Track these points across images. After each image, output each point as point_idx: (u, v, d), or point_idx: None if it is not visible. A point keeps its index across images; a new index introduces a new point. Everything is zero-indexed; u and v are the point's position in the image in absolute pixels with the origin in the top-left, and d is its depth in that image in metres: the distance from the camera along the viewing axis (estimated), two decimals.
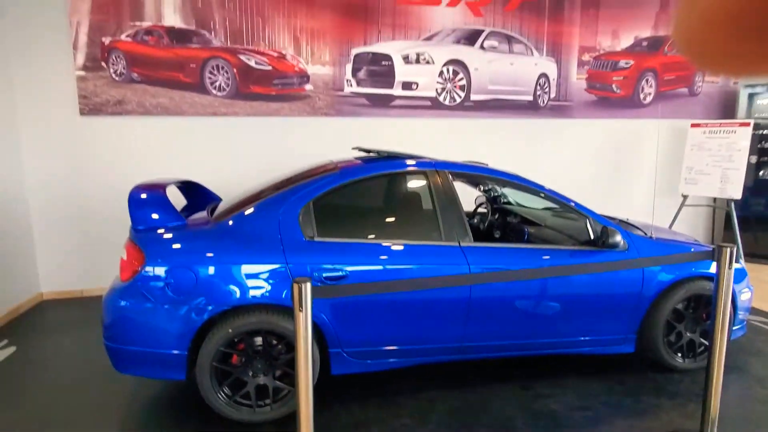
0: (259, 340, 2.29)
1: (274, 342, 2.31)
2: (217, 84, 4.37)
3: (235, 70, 4.38)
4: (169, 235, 2.27)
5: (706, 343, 2.85)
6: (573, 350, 2.73)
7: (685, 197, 5.30)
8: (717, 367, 2.14)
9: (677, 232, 3.34)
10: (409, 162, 2.68)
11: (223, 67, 4.36)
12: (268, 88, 4.48)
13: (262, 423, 2.30)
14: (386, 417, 2.38)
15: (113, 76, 4.16)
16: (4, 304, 3.68)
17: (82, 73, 4.09)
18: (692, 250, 2.81)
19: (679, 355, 2.84)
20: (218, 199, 3.31)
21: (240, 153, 4.51)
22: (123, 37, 4.13)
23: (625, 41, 5.32)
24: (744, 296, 2.94)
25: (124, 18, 4.12)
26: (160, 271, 2.18)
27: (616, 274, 2.65)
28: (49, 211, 4.19)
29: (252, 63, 4.42)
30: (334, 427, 2.28)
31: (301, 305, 1.44)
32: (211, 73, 4.35)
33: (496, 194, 3.82)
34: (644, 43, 5.38)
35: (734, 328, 2.91)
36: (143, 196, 2.42)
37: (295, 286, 1.45)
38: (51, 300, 4.23)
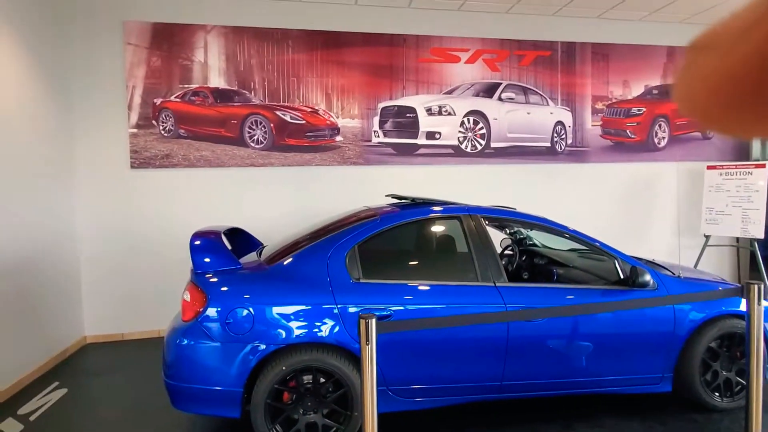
0: (308, 378, 2.41)
1: (322, 380, 2.42)
2: (255, 138, 4.72)
3: (272, 125, 4.74)
4: (228, 278, 2.47)
5: (743, 381, 2.87)
6: (610, 389, 2.77)
7: (707, 237, 5.37)
8: (756, 404, 2.18)
9: (704, 272, 3.42)
10: (444, 208, 2.88)
11: (261, 123, 4.73)
12: (302, 140, 4.81)
13: None
14: None
15: (162, 132, 4.53)
16: (53, 349, 3.86)
17: (134, 130, 4.48)
18: (720, 288, 2.90)
19: (717, 394, 2.86)
20: (260, 244, 3.53)
21: (275, 200, 4.78)
22: (172, 98, 4.54)
23: (636, 90, 5.61)
24: None
25: (174, 81, 4.54)
26: (220, 311, 2.35)
27: (648, 313, 2.74)
28: (96, 258, 4.45)
29: (287, 118, 4.78)
30: None
31: (367, 339, 1.59)
32: (250, 128, 4.71)
33: (521, 236, 3.97)
34: (654, 91, 5.66)
35: None
36: (203, 242, 2.63)
37: (362, 322, 1.60)
38: (94, 343, 4.40)
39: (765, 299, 2.91)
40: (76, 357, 4.04)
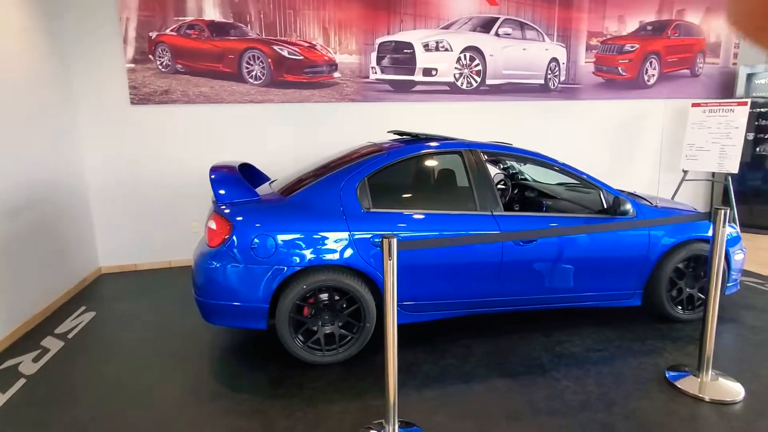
0: (325, 295, 2.72)
1: (337, 297, 2.73)
2: (254, 73, 4.72)
3: (269, 60, 4.73)
4: (250, 208, 2.68)
5: (703, 297, 3.28)
6: (589, 303, 3.16)
7: (685, 172, 5.69)
8: (713, 312, 2.54)
9: (679, 202, 3.74)
10: (446, 143, 3.07)
11: (258, 58, 4.71)
12: (300, 76, 4.83)
13: (331, 364, 2.75)
14: (433, 359, 2.82)
15: (160, 67, 4.50)
16: (71, 278, 4.11)
17: (131, 65, 4.44)
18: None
19: (680, 307, 3.28)
20: (267, 178, 3.71)
21: (275, 136, 4.88)
22: (168, 31, 4.47)
23: (631, 26, 5.64)
24: (738, 257, 3.36)
25: (168, 13, 4.44)
26: (246, 237, 2.59)
27: (626, 238, 3.07)
28: (104, 192, 4.59)
29: (285, 53, 4.76)
30: None
31: (390, 255, 1.85)
32: (248, 63, 4.69)
33: (514, 171, 4.21)
34: (649, 27, 5.70)
35: (729, 284, 3.34)
36: (223, 175, 2.81)
37: (385, 241, 1.85)
38: (109, 273, 4.66)
39: (731, 226, 3.26)
40: (94, 286, 4.31)
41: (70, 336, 3.25)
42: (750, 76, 5.85)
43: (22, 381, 2.67)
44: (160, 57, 4.49)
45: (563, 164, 3.14)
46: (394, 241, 1.85)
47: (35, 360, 2.91)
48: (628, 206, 2.98)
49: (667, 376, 2.63)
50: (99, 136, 4.49)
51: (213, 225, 2.67)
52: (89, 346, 3.10)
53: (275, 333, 3.12)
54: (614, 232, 3.04)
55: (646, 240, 3.10)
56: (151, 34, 4.44)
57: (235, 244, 2.59)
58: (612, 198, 3.06)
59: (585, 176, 3.13)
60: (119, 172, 4.59)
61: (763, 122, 5.80)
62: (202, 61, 4.59)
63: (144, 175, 4.65)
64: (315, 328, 2.74)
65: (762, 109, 5.78)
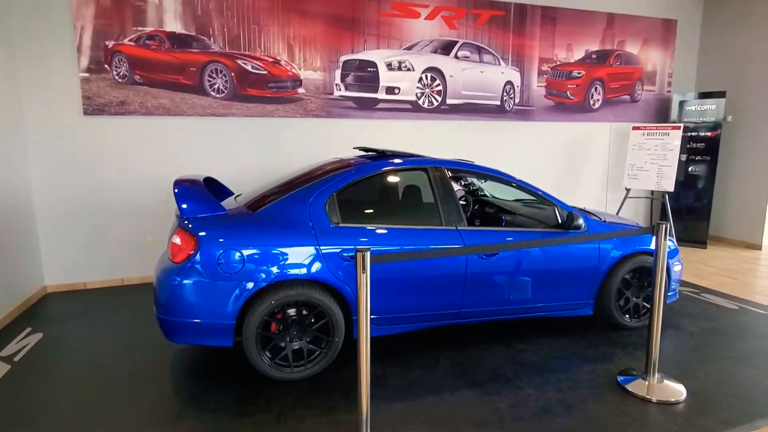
0: (293, 310, 2.71)
1: (305, 312, 2.73)
2: (216, 86, 4.67)
3: (233, 74, 4.70)
4: (217, 223, 2.64)
5: (648, 305, 3.54)
6: (546, 314, 3.33)
7: (628, 190, 6.13)
8: (657, 320, 2.74)
9: (623, 218, 4.03)
10: (412, 159, 3.17)
11: (221, 71, 4.67)
12: (264, 90, 4.83)
13: (299, 380, 2.72)
14: (401, 371, 2.87)
15: (116, 78, 4.36)
16: (13, 298, 3.83)
17: (85, 75, 4.27)
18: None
19: (627, 316, 3.51)
20: (231, 193, 3.67)
21: (237, 151, 4.83)
22: (126, 41, 4.35)
23: (578, 54, 6.07)
24: (676, 268, 3.66)
25: (127, 23, 4.33)
26: (212, 253, 2.55)
27: (578, 251, 3.28)
28: (52, 206, 4.34)
29: (249, 67, 4.75)
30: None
31: (363, 268, 1.89)
32: (210, 76, 4.64)
33: (474, 188, 4.38)
34: (593, 56, 6.15)
35: (669, 294, 3.62)
36: (188, 189, 2.76)
37: (358, 254, 1.90)
38: (56, 293, 4.38)
39: (669, 238, 3.55)
40: (39, 306, 4.04)
41: (16, 359, 3.03)
42: (682, 103, 6.43)
43: None
44: (116, 67, 4.36)
45: (521, 181, 3.33)
46: (368, 254, 1.90)
47: None
48: (581, 221, 3.19)
49: (618, 380, 2.81)
50: (48, 148, 4.26)
51: (177, 240, 2.60)
52: (39, 369, 2.90)
53: (241, 350, 3.06)
54: (568, 246, 3.24)
55: (597, 253, 3.32)
56: (107, 43, 4.30)
57: (201, 259, 2.54)
58: (566, 213, 3.26)
59: (541, 193, 3.33)
60: (69, 185, 4.36)
61: (694, 145, 6.36)
62: (162, 73, 4.49)
63: (95, 189, 4.44)
64: (283, 344, 2.71)
65: (692, 133, 6.35)
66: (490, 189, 4.35)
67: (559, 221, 3.28)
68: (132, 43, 4.37)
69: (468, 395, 2.62)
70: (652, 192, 6.64)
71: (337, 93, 5.08)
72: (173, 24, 4.47)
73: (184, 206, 2.68)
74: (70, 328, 3.53)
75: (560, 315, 3.38)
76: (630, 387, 2.73)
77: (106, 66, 4.32)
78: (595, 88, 6.19)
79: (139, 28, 4.38)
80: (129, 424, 2.33)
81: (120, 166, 4.48)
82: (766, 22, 5.85)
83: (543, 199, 3.33)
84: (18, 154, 4.05)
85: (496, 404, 2.54)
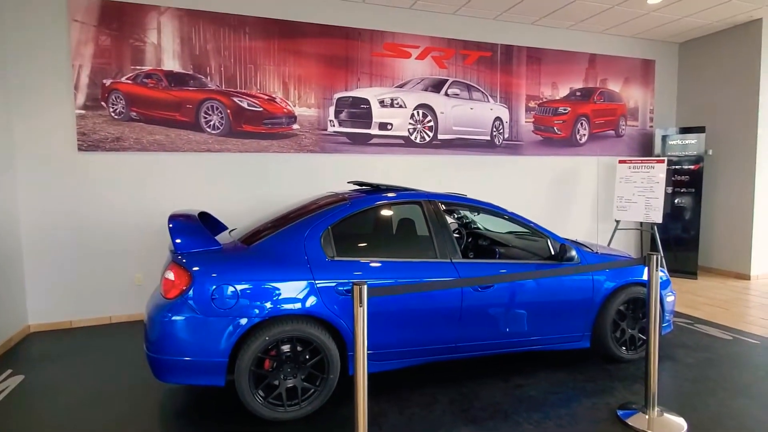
0: (287, 346, 2.65)
1: (300, 348, 2.67)
2: (212, 123, 4.74)
3: (228, 111, 4.79)
4: (211, 257, 2.62)
5: (643, 337, 3.53)
6: (543, 347, 3.30)
7: (617, 222, 6.22)
8: (654, 352, 2.72)
9: (615, 249, 4.08)
10: (406, 193, 3.21)
11: (217, 108, 4.75)
12: (259, 127, 4.91)
13: (294, 420, 2.64)
14: (398, 408, 2.79)
15: (112, 114, 4.42)
16: None
17: (81, 111, 4.32)
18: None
19: (624, 348, 3.49)
20: (225, 227, 3.66)
21: (232, 186, 4.85)
22: (123, 79, 4.44)
23: (563, 91, 6.30)
24: (669, 299, 3.67)
25: (125, 62, 4.43)
26: (206, 288, 2.51)
27: (573, 283, 3.29)
28: (40, 243, 4.28)
29: (244, 104, 4.85)
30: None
31: (360, 302, 1.88)
32: (206, 113, 4.72)
33: (467, 221, 4.42)
34: (578, 93, 6.39)
35: (663, 325, 3.62)
36: (182, 224, 2.75)
37: (356, 288, 1.89)
38: (39, 332, 4.25)
39: (660, 269, 3.58)
40: (22, 346, 3.91)
41: None
42: (664, 138, 6.65)
43: None
44: (113, 104, 4.42)
45: (513, 214, 3.37)
46: (365, 288, 1.90)
47: None
48: (573, 253, 3.22)
49: (618, 414, 2.76)
50: (39, 183, 4.24)
51: (171, 275, 2.57)
52: (18, 414, 2.78)
53: (233, 390, 2.97)
54: (562, 278, 3.25)
55: (591, 284, 3.34)
56: (105, 81, 4.38)
57: (194, 295, 2.50)
58: (558, 245, 3.30)
59: (533, 225, 3.37)
60: (59, 222, 4.32)
61: (678, 177, 6.54)
62: (158, 110, 4.56)
63: (86, 226, 4.40)
64: (276, 382, 2.64)
65: (676, 166, 6.54)
66: (483, 222, 4.40)
67: (552, 253, 3.31)
68: (129, 81, 4.46)
69: None
70: (641, 223, 6.75)
71: (331, 129, 5.18)
72: (171, 63, 4.58)
73: (178, 241, 2.67)
74: (54, 370, 3.41)
75: (557, 348, 3.35)
76: (631, 421, 2.69)
77: (102, 103, 4.38)
78: (581, 124, 6.39)
79: (137, 67, 4.47)
80: None
81: (112, 201, 4.46)
82: (734, 62, 6.17)
83: (535, 231, 3.37)
84: (7, 190, 4.03)
85: None
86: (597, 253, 3.52)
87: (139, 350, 3.74)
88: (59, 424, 2.66)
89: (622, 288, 3.43)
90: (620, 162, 6.28)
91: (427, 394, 2.98)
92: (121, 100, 4.44)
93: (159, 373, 2.56)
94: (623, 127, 6.71)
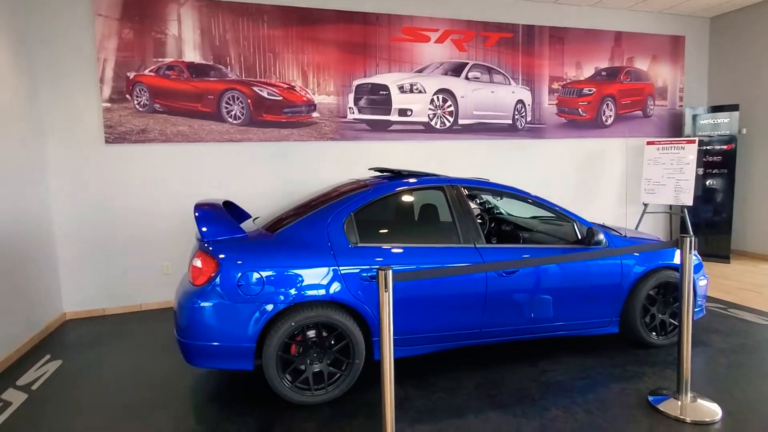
0: (313, 332, 2.68)
1: (325, 334, 2.70)
2: (233, 113, 4.78)
3: (249, 101, 4.81)
4: (237, 245, 2.66)
5: (675, 322, 3.44)
6: (570, 332, 3.25)
7: (645, 205, 6.05)
8: (687, 337, 2.65)
9: (643, 232, 3.97)
10: (429, 178, 3.18)
11: (238, 98, 4.78)
12: (279, 116, 4.92)
13: (320, 404, 2.68)
14: (424, 393, 2.80)
15: (137, 107, 4.50)
16: (33, 326, 3.86)
17: (107, 104, 4.41)
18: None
19: (654, 333, 3.41)
20: (248, 216, 3.70)
21: (254, 175, 4.90)
22: (146, 72, 4.50)
23: (587, 71, 6.11)
24: (701, 283, 3.56)
25: (147, 55, 4.49)
26: (233, 275, 2.56)
27: (601, 268, 3.22)
28: (72, 234, 4.41)
29: (264, 94, 4.86)
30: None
31: (386, 287, 1.88)
32: (227, 103, 4.76)
33: (489, 206, 4.36)
34: (603, 73, 6.18)
35: (695, 310, 3.52)
36: (208, 212, 2.79)
37: (381, 273, 1.88)
38: (75, 319, 4.41)
39: (693, 254, 3.47)
40: (58, 333, 4.06)
41: (34, 387, 3.03)
42: (695, 117, 6.39)
43: None
44: (137, 97, 4.49)
45: (538, 198, 3.30)
46: (390, 273, 1.89)
47: None
48: (601, 236, 3.14)
49: (649, 400, 2.71)
50: (70, 176, 4.37)
51: (198, 263, 2.62)
52: (57, 397, 2.90)
53: (260, 374, 3.03)
54: (590, 263, 3.18)
55: (619, 269, 3.26)
56: (129, 74, 4.45)
57: (222, 282, 2.55)
58: (585, 229, 3.22)
59: (558, 209, 3.30)
60: (89, 212, 4.45)
61: (710, 158, 6.29)
62: (180, 101, 4.62)
63: (115, 216, 4.52)
64: (303, 367, 2.68)
65: (707, 147, 6.29)
66: (505, 207, 4.33)
67: (579, 237, 3.24)
68: (152, 74, 4.52)
69: (494, 417, 2.55)
70: (671, 206, 6.55)
71: (350, 116, 5.16)
72: (192, 54, 4.62)
73: (205, 229, 2.71)
74: (90, 355, 3.54)
75: (585, 333, 3.29)
76: (662, 407, 2.63)
77: (127, 96, 4.46)
78: (607, 105, 6.19)
79: (159, 59, 4.53)
80: None
81: (140, 192, 4.57)
82: None
83: (561, 215, 3.30)
84: (39, 183, 4.16)
85: (523, 427, 2.46)
86: (625, 236, 3.43)
87: (170, 336, 3.85)
88: (97, 406, 2.76)
89: (653, 272, 3.34)
90: (648, 143, 6.08)
91: (453, 379, 2.98)
92: (145, 92, 4.51)
93: (190, 358, 2.63)
94: (651, 107, 6.48)
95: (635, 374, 3.03)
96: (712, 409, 2.59)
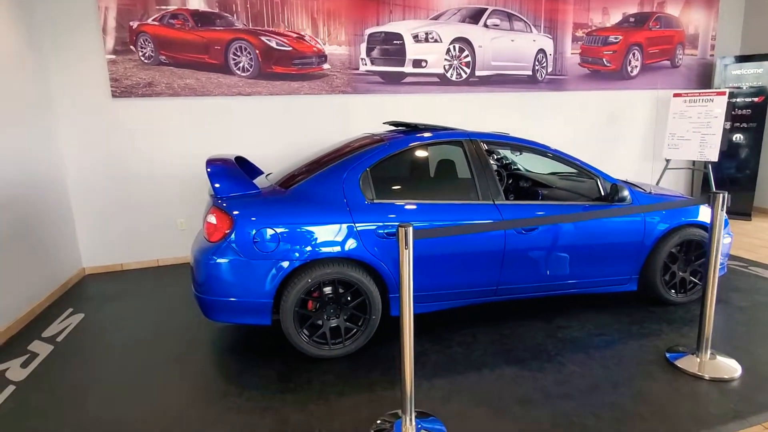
0: (329, 288, 2.67)
1: (342, 290, 2.69)
2: (241, 65, 4.60)
3: (257, 51, 4.61)
4: (251, 201, 2.61)
5: (695, 280, 3.38)
6: (588, 290, 3.21)
7: (668, 161, 5.84)
8: (711, 293, 2.59)
9: (668, 189, 3.83)
10: (446, 132, 3.05)
11: (245, 49, 4.59)
12: (289, 68, 4.73)
13: (338, 357, 2.71)
14: (440, 348, 2.82)
15: (142, 59, 4.34)
16: (54, 280, 3.93)
17: (112, 56, 4.26)
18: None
19: (673, 291, 3.36)
20: (261, 172, 3.63)
21: (264, 130, 4.78)
22: (150, 20, 4.30)
23: (615, 18, 5.73)
24: (725, 241, 3.45)
25: (149, 2, 4.28)
26: (248, 231, 2.52)
27: (623, 224, 3.12)
28: (85, 190, 4.41)
29: (273, 44, 4.65)
30: (399, 359, 2.70)
31: (406, 244, 1.82)
32: (234, 54, 4.57)
33: (507, 162, 4.23)
34: (631, 19, 5.80)
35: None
36: (220, 168, 2.72)
37: (401, 230, 1.82)
38: (94, 274, 4.49)
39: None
40: (79, 287, 4.14)
41: (59, 339, 3.12)
42: (726, 68, 6.03)
43: (11, 388, 2.54)
44: (142, 48, 4.33)
45: (560, 152, 3.17)
46: (410, 230, 1.83)
47: (23, 365, 2.78)
48: (626, 193, 3.03)
49: (667, 356, 2.70)
50: (79, 132, 4.30)
51: (213, 219, 2.58)
52: (81, 348, 2.98)
53: (279, 328, 3.07)
54: (611, 219, 3.09)
55: (642, 226, 3.16)
56: (132, 23, 4.27)
57: (237, 238, 2.52)
58: (609, 185, 3.11)
59: (581, 164, 3.17)
60: (101, 168, 4.41)
61: (738, 112, 5.99)
62: (186, 52, 4.45)
63: (127, 172, 4.48)
64: (320, 322, 2.69)
65: (737, 99, 5.98)
66: (523, 162, 4.20)
67: (602, 193, 3.13)
68: (156, 23, 4.33)
69: (510, 372, 2.56)
70: (694, 162, 6.32)
71: (362, 68, 4.95)
72: (196, 1, 4.39)
73: (218, 185, 2.65)
74: (111, 309, 3.61)
75: (602, 291, 3.25)
76: (680, 363, 2.62)
77: (131, 47, 4.30)
78: (633, 54, 5.86)
79: (162, 7, 4.32)
80: (171, 404, 2.36)
81: (149, 148, 4.50)
82: None
83: (584, 170, 3.18)
84: (51, 140, 4.10)
85: (540, 381, 2.47)
86: (650, 193, 3.31)
87: (189, 291, 3.90)
88: (119, 357, 2.83)
89: (676, 230, 3.24)
90: (675, 95, 5.78)
91: (468, 335, 2.99)
92: (149, 43, 4.34)
93: (208, 313, 2.65)
94: (680, 57, 6.12)
95: (653, 331, 3.01)
96: (731, 366, 2.57)
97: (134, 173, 4.50)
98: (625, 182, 3.57)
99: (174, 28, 4.38)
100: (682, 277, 3.37)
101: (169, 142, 4.54)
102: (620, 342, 2.87)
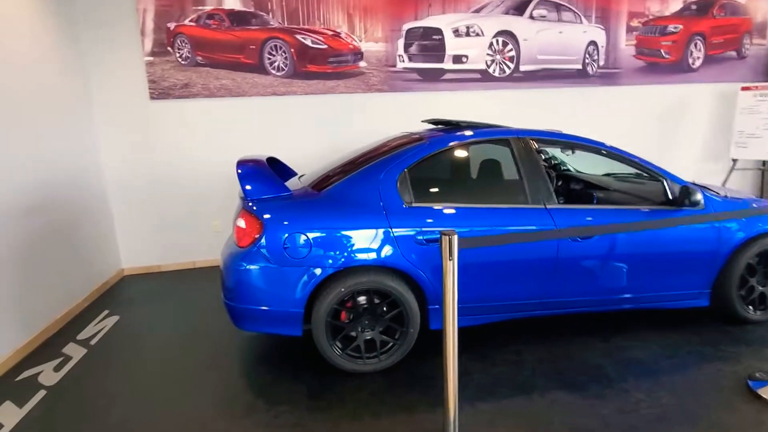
0: (364, 298, 2.49)
1: (378, 300, 2.50)
2: (276, 64, 4.51)
3: (292, 50, 4.51)
4: (282, 205, 2.46)
5: None
6: (652, 305, 2.87)
7: (735, 161, 5.31)
8: None
9: (743, 192, 3.41)
10: (492, 130, 2.80)
11: (281, 48, 4.49)
12: (324, 66, 4.60)
13: (373, 373, 2.52)
14: (483, 367, 2.58)
15: (179, 60, 4.32)
16: (93, 281, 3.96)
17: (150, 58, 4.27)
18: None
19: (751, 307, 2.96)
20: (294, 173, 3.50)
21: (298, 130, 4.67)
22: (186, 21, 4.28)
23: (674, 5, 5.27)
24: None
25: (186, 3, 4.26)
26: (278, 236, 2.37)
27: (694, 232, 2.77)
28: (124, 191, 4.43)
29: (308, 42, 4.54)
30: (439, 377, 2.48)
31: (450, 255, 1.61)
32: (269, 53, 4.48)
33: (555, 162, 3.91)
34: (693, 7, 5.32)
35: None
36: (251, 170, 2.60)
37: (444, 239, 1.61)
38: (132, 275, 4.51)
39: None
40: (117, 288, 4.16)
41: (93, 342, 3.09)
42: None
43: (41, 393, 2.50)
44: (179, 49, 4.31)
45: (622, 151, 2.85)
46: (455, 238, 1.61)
47: (56, 369, 2.75)
48: (699, 196, 2.68)
49: (749, 384, 2.34)
50: (118, 133, 4.33)
51: (242, 223, 2.46)
52: (114, 352, 2.93)
53: (310, 339, 2.91)
54: (681, 227, 2.74)
55: (716, 234, 2.80)
56: (169, 25, 4.26)
57: (267, 243, 2.37)
58: (678, 188, 2.76)
59: (647, 164, 2.84)
60: (139, 170, 4.43)
61: None
62: (222, 53, 4.40)
63: (165, 173, 4.48)
64: (354, 334, 2.51)
65: None
66: (574, 163, 3.87)
67: (669, 197, 2.79)
68: (192, 24, 4.30)
69: (563, 397, 2.28)
70: (764, 162, 5.73)
71: (400, 65, 4.76)
72: (232, 0, 4.33)
73: (248, 187, 2.52)
74: (146, 311, 3.58)
75: (668, 307, 2.90)
76: (765, 393, 2.26)
77: (168, 48, 4.29)
78: (695, 44, 5.36)
79: (199, 8, 4.29)
80: (198, 416, 2.24)
81: (186, 149, 4.48)
82: None
83: (648, 171, 2.84)
84: (90, 142, 4.14)
85: (599, 409, 2.18)
86: (725, 197, 2.93)
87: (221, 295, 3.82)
88: (149, 363, 2.76)
89: (755, 239, 2.85)
90: (743, 89, 5.25)
91: (514, 353, 2.72)
92: (186, 44, 4.32)
93: (237, 321, 2.52)
94: (747, 47, 5.56)
95: (730, 354, 2.64)
96: None
97: (171, 175, 4.49)
98: (694, 184, 3.19)
99: (210, 29, 4.34)
100: (761, 292, 2.97)
101: (205, 143, 4.50)
102: (692, 366, 2.53)
